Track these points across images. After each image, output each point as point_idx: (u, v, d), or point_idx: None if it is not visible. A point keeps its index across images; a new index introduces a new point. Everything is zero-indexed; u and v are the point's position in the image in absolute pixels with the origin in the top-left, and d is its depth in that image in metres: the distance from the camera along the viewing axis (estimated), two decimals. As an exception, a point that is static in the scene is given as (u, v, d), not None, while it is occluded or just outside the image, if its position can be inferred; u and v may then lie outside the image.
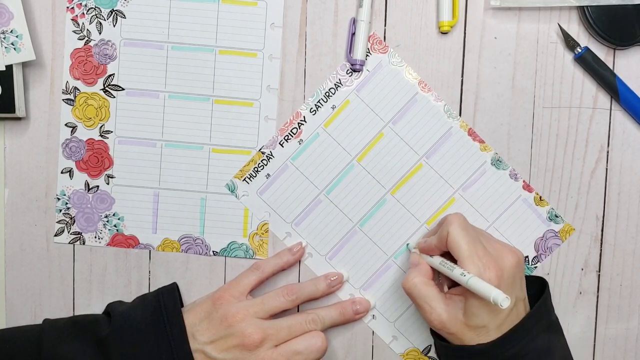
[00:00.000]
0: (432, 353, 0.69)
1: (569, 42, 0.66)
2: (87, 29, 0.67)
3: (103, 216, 0.68)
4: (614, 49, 0.67)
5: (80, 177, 0.68)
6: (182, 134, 0.68)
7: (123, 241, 0.68)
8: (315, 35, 0.67)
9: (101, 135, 0.68)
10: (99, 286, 0.69)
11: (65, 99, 0.68)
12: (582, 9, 0.66)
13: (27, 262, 0.69)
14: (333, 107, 0.67)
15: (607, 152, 0.68)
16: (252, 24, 0.67)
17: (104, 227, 0.68)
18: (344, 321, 0.67)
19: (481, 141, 0.67)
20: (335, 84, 0.67)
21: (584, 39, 0.67)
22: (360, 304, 0.67)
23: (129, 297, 0.69)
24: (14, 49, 0.65)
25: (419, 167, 0.68)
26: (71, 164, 0.68)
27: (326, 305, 0.68)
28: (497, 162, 0.67)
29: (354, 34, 0.66)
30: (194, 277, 0.69)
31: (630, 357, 0.69)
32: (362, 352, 0.69)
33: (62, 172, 0.68)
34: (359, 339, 0.69)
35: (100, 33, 0.67)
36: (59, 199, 0.68)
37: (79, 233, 0.68)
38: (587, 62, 0.66)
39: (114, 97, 0.67)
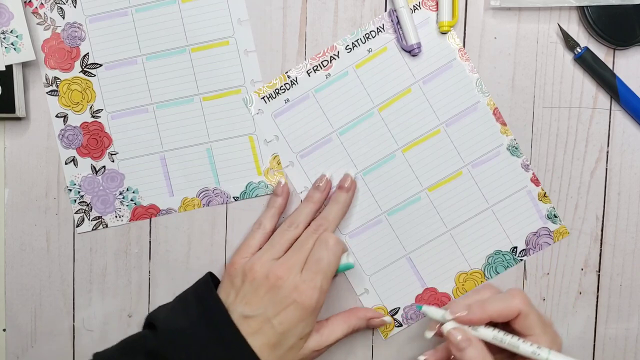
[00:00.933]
0: (399, 316, 0.68)
1: (569, 42, 0.66)
2: (50, 18, 0.67)
3: (118, 194, 0.68)
4: (614, 49, 0.67)
5: (85, 163, 0.68)
6: (170, 92, 0.67)
7: (144, 212, 0.68)
8: (315, 35, 0.67)
9: (93, 116, 0.68)
10: (99, 286, 0.69)
11: (49, 92, 0.67)
12: (582, 9, 0.66)
13: (27, 262, 0.69)
14: (369, 50, 0.67)
15: (607, 152, 0.68)
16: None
17: (122, 204, 0.68)
18: (345, 207, 0.66)
19: (503, 123, 0.67)
20: (377, 28, 0.67)
21: (583, 39, 0.67)
22: (345, 180, 0.67)
23: (129, 297, 0.69)
24: (14, 49, 0.65)
25: (436, 132, 0.67)
26: (72, 152, 0.68)
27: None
28: (513, 149, 0.67)
29: (398, 23, 0.66)
30: (194, 277, 0.68)
31: (630, 357, 0.69)
32: (362, 352, 0.69)
33: (66, 163, 0.68)
34: (359, 339, 0.69)
35: (63, 18, 0.67)
36: (70, 189, 0.68)
37: (99, 217, 0.68)
38: (587, 62, 0.66)
39: (95, 75, 0.67)
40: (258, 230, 0.66)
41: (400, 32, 0.66)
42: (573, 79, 0.67)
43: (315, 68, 0.67)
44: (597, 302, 0.69)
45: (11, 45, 0.65)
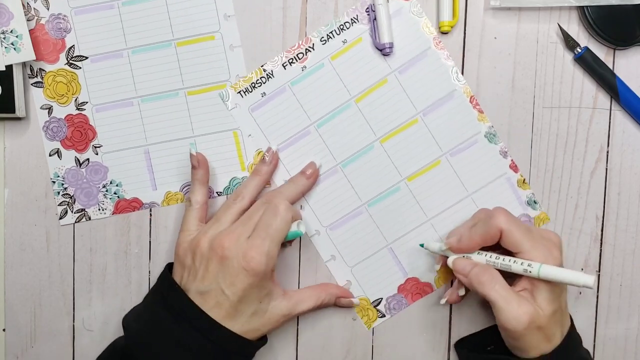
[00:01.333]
0: (382, 306, 0.68)
1: (569, 42, 0.66)
2: (34, 8, 0.67)
3: (101, 187, 0.68)
4: (614, 49, 0.67)
5: (69, 155, 0.68)
6: (155, 86, 0.67)
7: (127, 206, 0.68)
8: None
9: (78, 109, 0.68)
10: (99, 286, 0.69)
11: (34, 83, 0.67)
12: (582, 9, 0.66)
13: (27, 262, 0.69)
14: (344, 42, 0.67)
15: (607, 152, 0.68)
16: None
17: (105, 197, 0.68)
18: (301, 191, 0.66)
19: (480, 111, 0.67)
20: (352, 19, 0.66)
21: (583, 39, 0.67)
22: (310, 167, 0.67)
23: (129, 297, 0.69)
24: (14, 49, 0.65)
25: (413, 122, 0.67)
26: (56, 144, 0.68)
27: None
28: (490, 136, 0.67)
29: (375, 19, 0.66)
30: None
31: (630, 357, 0.69)
32: (362, 352, 0.69)
33: (50, 155, 0.68)
34: (359, 339, 0.69)
35: (48, 9, 0.67)
36: (54, 181, 0.68)
37: (82, 210, 0.68)
38: (587, 62, 0.66)
39: (80, 67, 0.67)
40: (191, 207, 0.65)
41: (375, 28, 0.66)
42: (573, 79, 0.67)
43: (290, 61, 0.67)
44: (597, 302, 0.69)
45: (11, 45, 0.65)
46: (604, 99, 0.67)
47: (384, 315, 0.69)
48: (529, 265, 0.58)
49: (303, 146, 0.68)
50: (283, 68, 0.67)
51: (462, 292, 0.64)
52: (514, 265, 0.59)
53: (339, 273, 0.68)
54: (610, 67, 0.66)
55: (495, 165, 0.67)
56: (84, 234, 0.69)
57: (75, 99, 0.68)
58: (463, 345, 0.68)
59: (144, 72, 0.67)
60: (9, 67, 0.65)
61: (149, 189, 0.68)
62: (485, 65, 0.67)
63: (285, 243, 0.68)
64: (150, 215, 0.69)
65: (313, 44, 0.67)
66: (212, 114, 0.68)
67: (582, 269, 0.68)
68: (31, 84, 0.67)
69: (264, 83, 0.67)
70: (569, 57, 0.67)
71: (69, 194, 0.68)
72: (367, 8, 0.66)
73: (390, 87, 0.67)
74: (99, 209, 0.68)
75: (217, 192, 0.68)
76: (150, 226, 0.69)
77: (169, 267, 0.66)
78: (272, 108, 0.67)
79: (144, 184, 0.68)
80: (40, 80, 0.67)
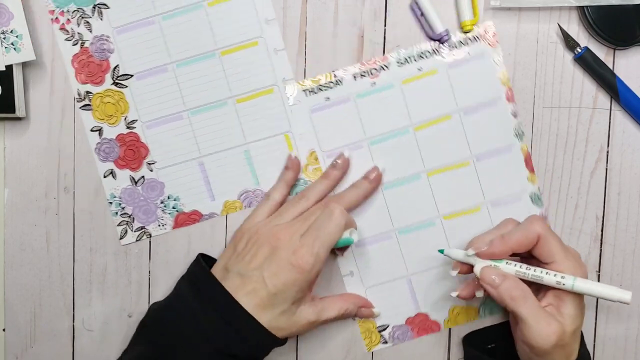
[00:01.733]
0: (386, 333, 0.68)
1: (569, 42, 0.66)
2: (78, 32, 0.67)
3: (159, 203, 0.68)
4: (614, 49, 0.67)
5: (124, 175, 0.68)
6: (203, 97, 0.67)
7: (186, 219, 0.68)
8: (315, 36, 0.67)
9: (128, 127, 0.68)
10: (99, 286, 0.69)
11: (82, 106, 0.67)
12: (582, 9, 0.66)
13: (27, 262, 0.69)
14: (419, 69, 0.67)
15: (607, 152, 0.68)
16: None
17: (164, 212, 0.68)
18: (363, 195, 0.66)
19: (532, 170, 0.67)
20: (433, 50, 0.66)
21: (583, 39, 0.67)
22: (373, 171, 0.66)
23: (129, 297, 0.69)
24: (14, 49, 0.65)
25: (465, 164, 0.67)
26: (110, 165, 0.68)
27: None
28: (536, 197, 0.67)
29: (421, 14, 0.66)
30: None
31: (630, 357, 0.69)
32: (362, 352, 0.69)
33: (104, 177, 0.68)
34: (359, 339, 0.69)
35: (91, 32, 0.67)
36: (110, 202, 0.68)
37: (142, 227, 0.68)
38: (587, 62, 0.66)
39: (126, 86, 0.67)
40: (267, 201, 0.66)
41: (426, 23, 0.66)
42: (573, 79, 0.67)
43: (362, 74, 0.67)
44: (597, 302, 0.69)
45: (11, 45, 0.65)
46: (604, 99, 0.67)
47: (386, 342, 0.69)
48: (562, 278, 0.57)
49: (352, 158, 0.67)
50: (353, 78, 0.67)
51: (480, 294, 0.62)
52: (546, 277, 0.58)
53: (353, 290, 0.68)
54: (610, 67, 0.66)
55: None
56: (84, 234, 0.69)
57: (125, 118, 0.68)
58: (467, 342, 0.68)
59: (191, 84, 0.67)
60: (9, 67, 0.65)
61: (207, 200, 0.68)
62: (485, 65, 0.67)
63: (337, 252, 0.68)
64: (150, 215, 0.69)
65: (389, 64, 0.67)
66: (262, 120, 0.68)
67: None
68: (79, 108, 0.67)
69: (330, 88, 0.67)
70: (569, 57, 0.67)
71: (127, 213, 0.68)
72: (410, 5, 0.66)
73: (451, 125, 0.67)
74: (159, 225, 0.68)
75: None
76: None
77: (202, 255, 0.67)
78: (332, 114, 0.67)
79: (202, 195, 0.68)
80: (89, 102, 0.68)
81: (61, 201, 0.69)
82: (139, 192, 0.68)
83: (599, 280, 0.68)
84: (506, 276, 0.59)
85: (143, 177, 0.68)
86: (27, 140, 0.68)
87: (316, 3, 0.67)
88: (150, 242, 0.69)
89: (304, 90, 0.67)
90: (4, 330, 0.69)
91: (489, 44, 0.67)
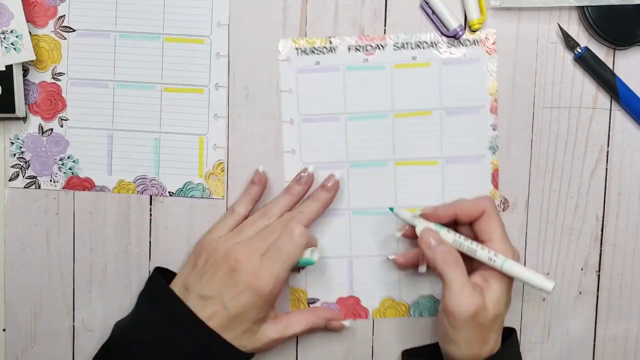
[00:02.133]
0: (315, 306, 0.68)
1: (569, 42, 0.66)
2: None
3: (58, 159, 0.68)
4: (614, 49, 0.67)
5: (34, 121, 0.68)
6: (134, 74, 0.67)
7: (78, 184, 0.68)
8: (315, 35, 0.67)
9: (54, 78, 0.68)
10: (99, 286, 0.69)
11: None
12: (582, 9, 0.66)
13: (27, 262, 0.69)
14: (414, 58, 0.66)
15: (607, 152, 0.68)
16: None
17: (59, 170, 0.68)
18: (323, 206, 0.66)
19: (496, 186, 0.67)
20: (431, 42, 0.66)
21: (583, 39, 0.67)
22: (330, 179, 0.66)
23: (129, 297, 0.69)
24: (14, 49, 0.65)
25: (433, 163, 0.67)
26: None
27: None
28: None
29: (433, 13, 0.66)
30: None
31: (630, 357, 0.69)
32: (362, 353, 0.69)
33: None
34: (358, 340, 0.69)
35: None
36: (12, 142, 0.68)
37: (34, 177, 0.68)
38: (587, 62, 0.66)
39: (65, 38, 0.67)
40: (230, 215, 0.66)
41: (438, 21, 0.66)
42: (573, 79, 0.67)
43: (358, 47, 0.66)
44: (597, 302, 0.69)
45: (11, 45, 0.65)
46: (604, 99, 0.67)
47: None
48: (495, 255, 0.58)
49: (326, 128, 0.67)
50: (347, 50, 0.66)
51: (422, 269, 0.63)
52: (480, 251, 0.59)
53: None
54: (610, 67, 0.66)
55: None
56: (84, 234, 0.69)
57: (54, 68, 0.67)
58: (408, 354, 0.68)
59: (127, 58, 0.67)
60: (9, 67, 0.65)
61: (104, 173, 0.68)
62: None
63: (297, 269, 0.67)
64: (151, 215, 0.69)
65: (386, 45, 0.66)
66: (183, 115, 0.68)
67: (582, 269, 0.68)
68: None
69: (323, 53, 0.67)
70: (569, 57, 0.67)
71: (25, 159, 0.68)
72: (420, 5, 0.66)
73: (431, 120, 0.67)
74: (51, 180, 0.68)
75: (169, 192, 0.68)
76: (150, 226, 0.69)
77: (159, 270, 0.67)
78: (318, 79, 0.67)
79: (101, 167, 0.68)
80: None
81: (61, 201, 0.69)
82: (43, 143, 0.68)
83: (598, 281, 0.68)
84: (443, 241, 0.61)
85: (52, 129, 0.68)
86: (27, 140, 0.68)
87: (316, 3, 0.67)
88: (150, 242, 0.69)
89: (296, 48, 0.67)
90: (4, 330, 0.69)
91: (487, 51, 0.67)
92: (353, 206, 0.67)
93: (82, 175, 0.68)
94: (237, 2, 0.67)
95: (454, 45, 0.66)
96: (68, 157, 0.68)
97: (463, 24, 0.66)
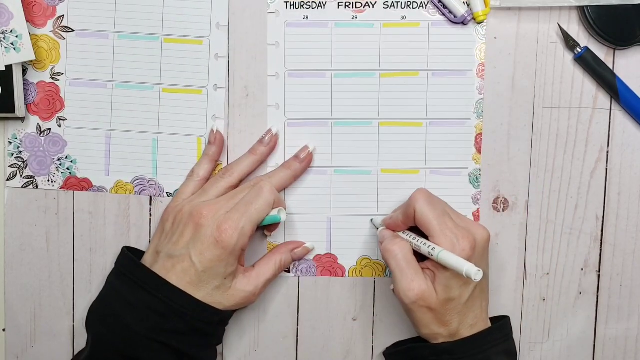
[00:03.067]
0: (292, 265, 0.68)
1: (569, 42, 0.66)
2: None
3: (56, 159, 0.68)
4: (614, 49, 0.67)
5: (32, 121, 0.68)
6: (133, 75, 0.67)
7: (76, 184, 0.68)
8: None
9: (52, 78, 0.68)
10: (99, 286, 0.69)
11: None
12: (582, 9, 0.66)
13: (26, 262, 0.69)
14: (403, 17, 0.66)
15: (607, 152, 0.68)
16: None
17: (57, 170, 0.68)
18: (294, 176, 0.66)
19: (479, 150, 0.67)
20: (422, 2, 0.66)
21: (583, 39, 0.67)
22: (303, 151, 0.67)
23: (128, 297, 0.69)
24: (14, 49, 0.65)
25: (417, 124, 0.67)
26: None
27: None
28: (473, 177, 0.67)
29: (439, 1, 0.66)
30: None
31: (630, 357, 0.69)
32: (362, 353, 0.69)
33: None
34: (359, 340, 0.69)
35: None
36: (10, 142, 0.68)
37: (31, 177, 0.68)
38: (587, 62, 0.66)
39: (64, 38, 0.67)
40: (191, 178, 0.66)
41: (445, 9, 0.66)
42: (573, 79, 0.67)
43: (348, 4, 0.66)
44: (597, 302, 0.69)
45: (11, 45, 0.65)
46: (604, 99, 0.67)
47: (289, 271, 0.69)
48: (432, 249, 0.60)
49: (312, 84, 0.67)
50: (337, 6, 0.66)
51: (392, 286, 0.64)
52: (422, 246, 0.61)
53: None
54: (610, 67, 0.66)
55: (463, 204, 0.67)
56: (83, 233, 0.69)
57: (52, 68, 0.67)
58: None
59: (125, 58, 0.67)
60: (9, 67, 0.65)
61: (101, 173, 0.68)
62: (485, 65, 0.67)
63: (265, 231, 0.68)
64: (150, 215, 0.69)
65: (375, 3, 0.66)
66: (181, 116, 0.68)
67: (582, 269, 0.68)
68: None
69: (312, 8, 0.66)
70: (569, 57, 0.67)
71: (22, 159, 0.68)
72: None
73: (417, 81, 0.67)
74: (49, 180, 0.68)
75: (167, 193, 0.68)
76: (150, 226, 0.69)
77: (127, 248, 0.67)
78: (305, 34, 0.67)
79: (98, 167, 0.68)
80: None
81: (61, 201, 0.69)
82: (41, 142, 0.68)
83: (599, 281, 0.68)
84: (392, 236, 0.63)
85: (50, 129, 0.68)
86: (27, 140, 0.68)
87: None
88: (149, 241, 0.69)
89: (285, 2, 0.67)
90: (4, 330, 0.69)
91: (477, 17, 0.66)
92: (335, 164, 0.68)
93: (80, 175, 0.68)
94: (236, 2, 0.67)
95: (444, 7, 0.66)
96: (66, 157, 0.68)
97: (470, 10, 0.66)
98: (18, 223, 0.69)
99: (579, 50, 0.66)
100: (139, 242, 0.69)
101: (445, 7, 0.66)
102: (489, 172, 0.68)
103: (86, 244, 0.69)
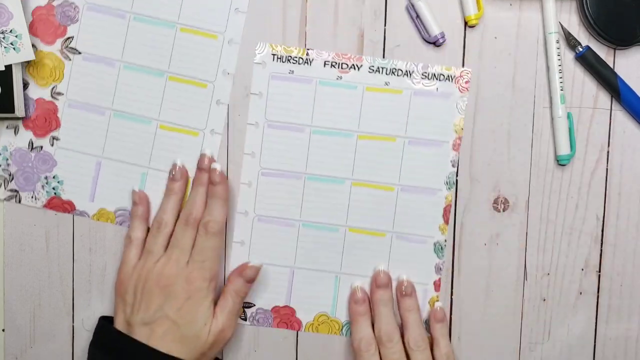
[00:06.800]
0: (249, 311, 0.68)
1: (570, 41, 0.66)
2: None
3: (43, 177, 0.68)
4: (614, 49, 0.67)
5: (25, 135, 0.68)
6: (132, 106, 0.67)
7: (59, 205, 0.68)
8: (315, 35, 0.67)
9: (52, 96, 0.68)
10: (98, 286, 0.69)
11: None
12: (582, 9, 0.66)
13: (26, 262, 0.69)
14: (386, 84, 0.67)
15: (608, 152, 0.68)
16: (217, 5, 0.67)
17: (42, 188, 0.68)
18: (225, 199, 0.65)
19: (446, 221, 0.67)
20: (407, 71, 0.67)
21: (584, 39, 0.67)
22: (214, 174, 0.66)
23: (128, 298, 0.69)
24: (14, 49, 0.65)
25: (389, 189, 0.67)
26: (18, 120, 0.68)
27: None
28: (438, 247, 0.68)
29: (417, 16, 0.66)
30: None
31: (630, 357, 0.69)
32: (362, 352, 0.69)
33: (7, 127, 0.68)
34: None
35: None
36: (0, 153, 0.68)
37: (15, 191, 0.68)
38: (589, 61, 0.66)
39: (70, 59, 0.67)
40: (130, 244, 0.66)
41: (421, 25, 0.66)
42: (574, 79, 0.67)
43: (333, 64, 0.67)
44: (597, 302, 0.69)
45: (11, 45, 0.65)
46: (604, 99, 0.67)
47: (245, 319, 0.69)
48: None
49: (290, 138, 0.67)
50: (323, 64, 0.67)
51: None
52: None
53: (237, 259, 0.68)
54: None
55: (424, 273, 0.68)
56: (83, 233, 0.69)
57: (54, 87, 0.67)
58: None
59: (128, 89, 0.67)
60: (9, 67, 0.65)
61: (86, 198, 0.68)
62: (485, 65, 0.67)
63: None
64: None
65: (361, 66, 0.67)
66: (174, 155, 0.67)
67: (583, 269, 0.68)
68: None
69: (299, 64, 0.67)
70: (569, 56, 0.67)
71: (9, 172, 0.68)
72: (406, 7, 0.66)
73: (393, 147, 0.67)
74: (32, 197, 0.68)
75: (149, 228, 0.67)
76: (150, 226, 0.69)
77: (104, 318, 0.67)
78: (289, 88, 0.67)
79: (84, 192, 0.68)
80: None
81: (61, 201, 0.69)
82: (30, 158, 0.68)
83: (599, 281, 0.68)
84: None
85: (42, 147, 0.68)
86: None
87: (316, 3, 0.67)
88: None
89: (273, 54, 0.67)
90: (3, 330, 0.69)
91: (460, 88, 0.67)
92: (304, 218, 0.68)
93: (64, 197, 0.68)
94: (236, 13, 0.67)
95: (428, 78, 0.67)
96: (53, 177, 0.68)
97: (444, 33, 0.66)
98: (17, 223, 0.69)
99: (580, 49, 0.66)
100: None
101: (422, 23, 0.66)
102: (489, 172, 0.68)
103: (86, 244, 0.69)
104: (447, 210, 0.67)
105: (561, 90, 0.66)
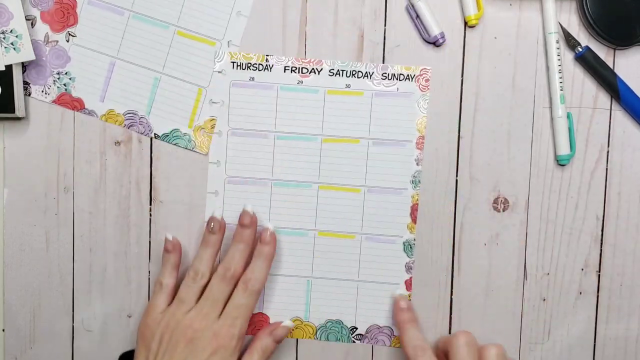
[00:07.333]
0: None
1: (570, 42, 0.66)
2: None
3: (55, 72, 0.68)
4: (614, 49, 0.67)
5: (42, 28, 0.68)
6: (152, 10, 0.67)
7: (69, 102, 0.68)
8: (315, 35, 0.67)
9: None
10: (98, 286, 0.69)
11: None
12: (582, 9, 0.66)
13: (26, 262, 0.69)
14: (347, 86, 0.67)
15: (607, 152, 0.68)
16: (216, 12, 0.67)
17: (54, 83, 0.68)
18: (270, 260, 0.65)
19: (414, 220, 0.68)
20: (367, 72, 0.67)
21: (583, 39, 0.67)
22: (266, 232, 0.66)
23: (129, 298, 0.69)
24: (14, 49, 0.65)
25: (355, 190, 0.67)
26: (36, 12, 0.67)
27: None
28: (407, 246, 0.68)
29: (417, 17, 0.66)
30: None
31: (630, 357, 0.69)
32: (362, 353, 0.69)
33: (26, 19, 0.67)
34: (359, 343, 0.69)
35: None
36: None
37: (27, 83, 0.68)
38: (588, 62, 0.66)
39: None
40: (160, 290, 0.65)
41: (421, 25, 0.66)
42: (573, 79, 0.67)
43: (294, 69, 0.67)
44: (597, 302, 0.69)
45: (11, 45, 0.65)
46: (604, 99, 0.67)
47: None
48: None
49: (254, 144, 0.67)
50: (283, 70, 0.67)
51: None
52: None
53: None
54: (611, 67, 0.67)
55: (395, 273, 0.68)
56: (83, 233, 0.69)
57: None
58: None
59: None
60: (9, 67, 0.65)
61: (96, 98, 0.68)
62: (485, 65, 0.67)
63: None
64: (150, 215, 0.69)
65: (321, 69, 0.67)
66: (188, 62, 0.67)
67: (582, 269, 0.68)
68: None
69: (259, 70, 0.67)
70: (569, 56, 0.67)
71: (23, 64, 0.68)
72: (406, 7, 0.67)
73: (358, 149, 0.67)
74: (43, 92, 0.68)
75: (155, 134, 0.68)
76: (150, 226, 0.69)
77: (124, 354, 0.67)
78: (250, 95, 0.67)
79: (95, 91, 0.68)
80: None
81: (61, 201, 0.69)
82: (44, 52, 0.68)
83: (599, 281, 0.68)
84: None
85: (57, 41, 0.67)
86: (27, 140, 0.68)
87: (316, 3, 0.67)
88: (150, 242, 0.69)
89: (232, 62, 0.67)
90: (3, 330, 0.69)
91: (420, 87, 0.67)
92: (273, 224, 0.67)
93: (74, 94, 0.68)
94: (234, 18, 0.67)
95: (388, 78, 0.67)
96: (65, 73, 0.68)
97: (444, 33, 0.66)
98: (18, 223, 0.69)
99: (580, 50, 0.66)
100: (139, 242, 0.69)
101: (422, 23, 0.66)
102: (489, 172, 0.68)
103: (86, 244, 0.69)
104: (414, 208, 0.68)
105: (561, 90, 0.66)
